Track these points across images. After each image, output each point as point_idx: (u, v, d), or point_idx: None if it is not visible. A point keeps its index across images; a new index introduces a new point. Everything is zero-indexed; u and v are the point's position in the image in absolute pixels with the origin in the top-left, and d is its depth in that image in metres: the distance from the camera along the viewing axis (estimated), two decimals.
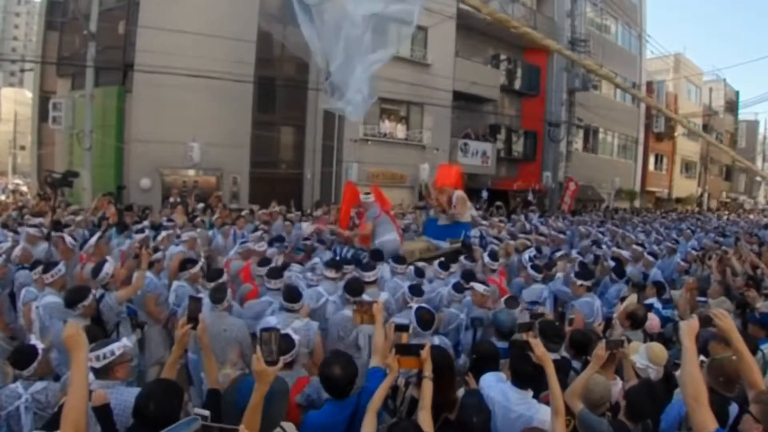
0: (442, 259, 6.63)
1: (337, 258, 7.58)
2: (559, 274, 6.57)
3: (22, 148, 33.98)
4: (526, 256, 7.25)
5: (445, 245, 8.59)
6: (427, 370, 2.71)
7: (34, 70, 19.64)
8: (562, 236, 10.59)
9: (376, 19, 5.76)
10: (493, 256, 6.78)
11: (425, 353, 2.73)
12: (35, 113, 19.00)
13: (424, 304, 4.46)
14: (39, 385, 3.13)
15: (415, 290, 4.95)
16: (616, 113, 27.11)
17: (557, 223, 13.80)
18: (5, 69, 55.91)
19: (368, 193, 8.18)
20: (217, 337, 3.99)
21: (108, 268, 4.97)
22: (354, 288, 4.84)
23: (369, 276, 5.40)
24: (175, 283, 5.57)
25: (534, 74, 24.47)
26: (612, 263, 7.44)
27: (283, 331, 3.27)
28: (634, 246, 8.83)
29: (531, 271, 6.43)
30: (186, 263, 5.67)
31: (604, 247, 9.75)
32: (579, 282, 5.66)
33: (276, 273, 5.20)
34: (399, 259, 6.44)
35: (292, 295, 4.46)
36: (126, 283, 5.33)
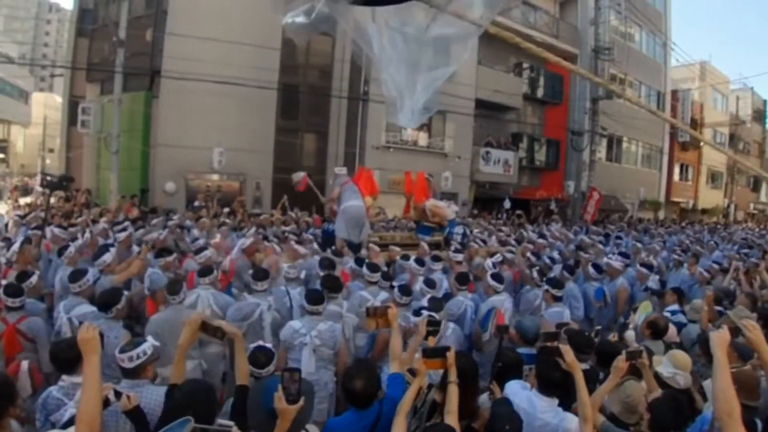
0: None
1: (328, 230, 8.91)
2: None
3: (51, 150, 34.60)
4: (489, 262, 6.93)
5: (426, 238, 8.97)
6: (452, 375, 2.71)
7: (64, 76, 20.11)
8: (543, 242, 10.19)
9: (436, 37, 5.75)
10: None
11: (451, 356, 2.74)
12: (64, 117, 19.42)
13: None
14: None
15: (405, 290, 5.01)
16: (641, 122, 26.65)
17: (569, 233, 13.33)
18: (36, 74, 57.36)
19: (342, 167, 9.58)
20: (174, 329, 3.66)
21: (107, 256, 5.23)
22: (331, 286, 5.01)
23: (372, 277, 5.57)
24: (150, 270, 5.77)
25: (557, 82, 24.28)
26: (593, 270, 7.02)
27: (264, 345, 3.36)
28: (612, 256, 8.26)
29: (491, 281, 5.60)
30: (162, 252, 5.98)
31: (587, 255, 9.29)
32: (548, 290, 5.44)
33: (263, 275, 5.04)
34: (371, 266, 5.94)
35: (315, 298, 4.40)
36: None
